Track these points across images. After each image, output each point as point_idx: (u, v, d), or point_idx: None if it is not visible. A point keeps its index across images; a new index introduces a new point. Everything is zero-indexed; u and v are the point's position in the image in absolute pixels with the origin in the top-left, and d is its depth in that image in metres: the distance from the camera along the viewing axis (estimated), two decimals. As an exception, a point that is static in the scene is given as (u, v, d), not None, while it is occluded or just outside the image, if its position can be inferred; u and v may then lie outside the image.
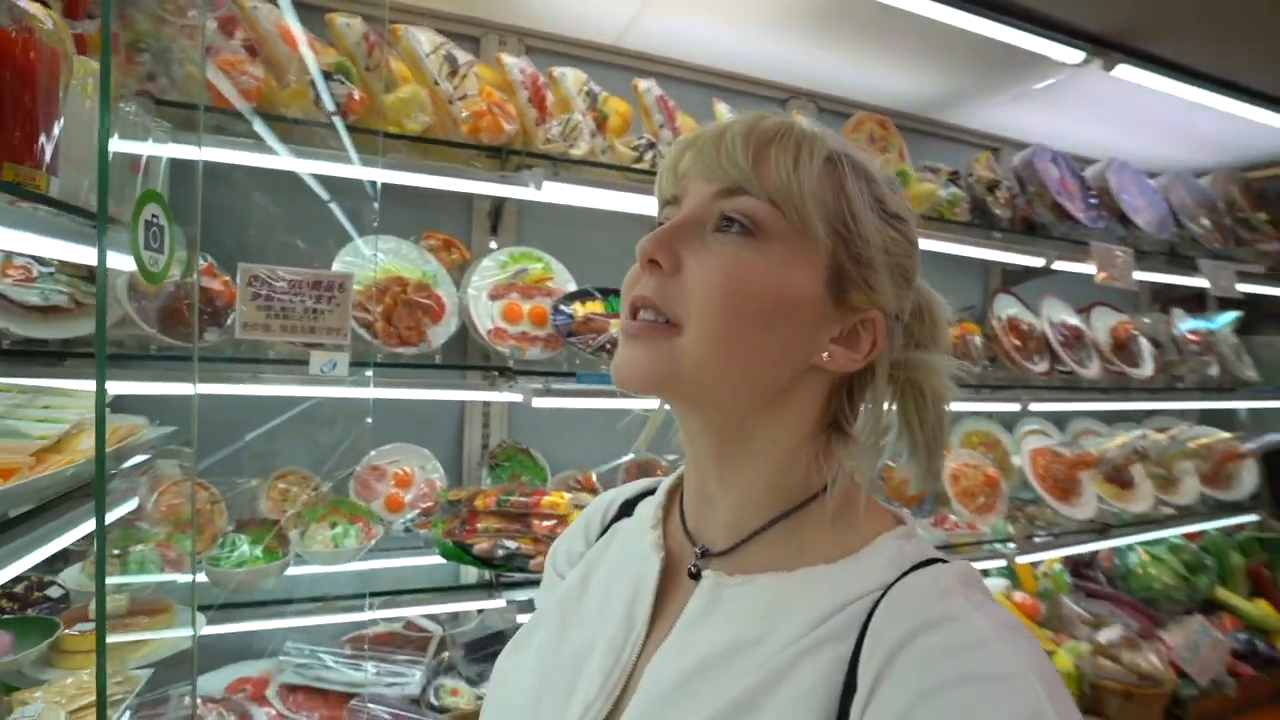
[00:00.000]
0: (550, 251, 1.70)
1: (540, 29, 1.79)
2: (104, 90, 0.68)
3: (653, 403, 0.62)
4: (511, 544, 1.46)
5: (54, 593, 1.10)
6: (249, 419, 1.47)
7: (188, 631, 1.11)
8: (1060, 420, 2.61)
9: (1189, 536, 2.54)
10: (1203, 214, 2.34)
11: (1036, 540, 2.11)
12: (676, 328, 0.49)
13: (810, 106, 2.16)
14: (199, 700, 1.41)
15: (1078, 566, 2.57)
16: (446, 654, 1.74)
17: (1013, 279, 2.43)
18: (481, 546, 1.44)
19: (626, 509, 0.69)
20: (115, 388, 1.21)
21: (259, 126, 1.12)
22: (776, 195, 0.49)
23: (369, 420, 1.22)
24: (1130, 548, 2.48)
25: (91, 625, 1.01)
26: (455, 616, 1.81)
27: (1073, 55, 1.69)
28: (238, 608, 1.28)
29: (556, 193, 1.37)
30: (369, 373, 1.25)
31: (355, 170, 1.18)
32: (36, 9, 0.73)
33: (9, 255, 1.19)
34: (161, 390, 1.16)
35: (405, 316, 1.37)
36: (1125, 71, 1.77)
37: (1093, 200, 2.12)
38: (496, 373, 1.50)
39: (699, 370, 0.49)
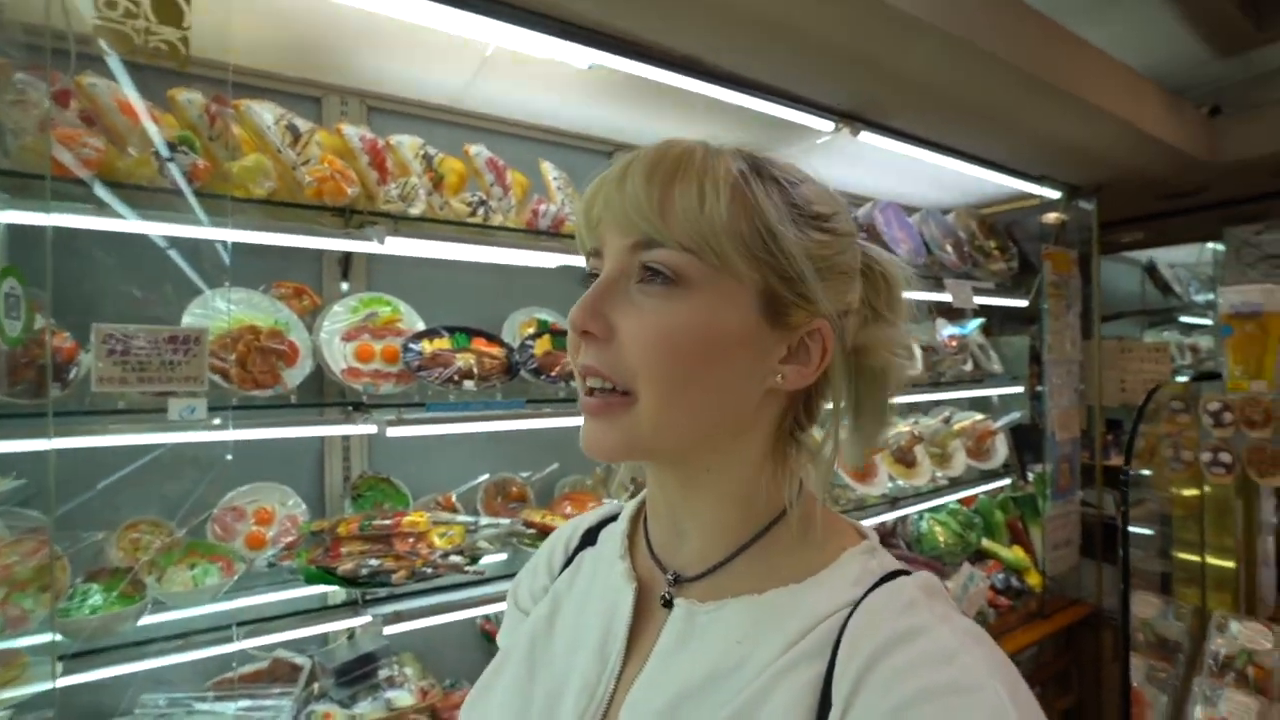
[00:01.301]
0: (400, 294, 1.86)
1: (380, 91, 1.97)
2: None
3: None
4: (375, 562, 1.59)
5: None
6: (93, 472, 1.49)
7: (46, 684, 1.14)
8: (863, 415, 3.12)
9: (964, 501, 3.14)
10: (948, 243, 2.96)
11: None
12: (630, 396, 0.49)
13: (634, 159, 2.50)
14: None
15: (884, 537, 3.08)
16: (317, 684, 1.81)
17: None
18: (345, 567, 1.56)
19: (589, 537, 0.67)
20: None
21: (104, 194, 1.21)
22: (689, 243, 0.48)
23: (229, 457, 1.32)
24: (920, 515, 3.01)
25: (-61, 679, 1.03)
26: (325, 644, 1.88)
27: (826, 125, 2.15)
28: (94, 654, 1.31)
29: (400, 246, 1.56)
30: (217, 420, 1.35)
31: (206, 231, 1.30)
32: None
33: None
34: (8, 448, 1.19)
35: (259, 362, 1.48)
36: (868, 138, 2.26)
37: (863, 235, 2.62)
38: (351, 408, 1.64)
39: (658, 432, 0.49)
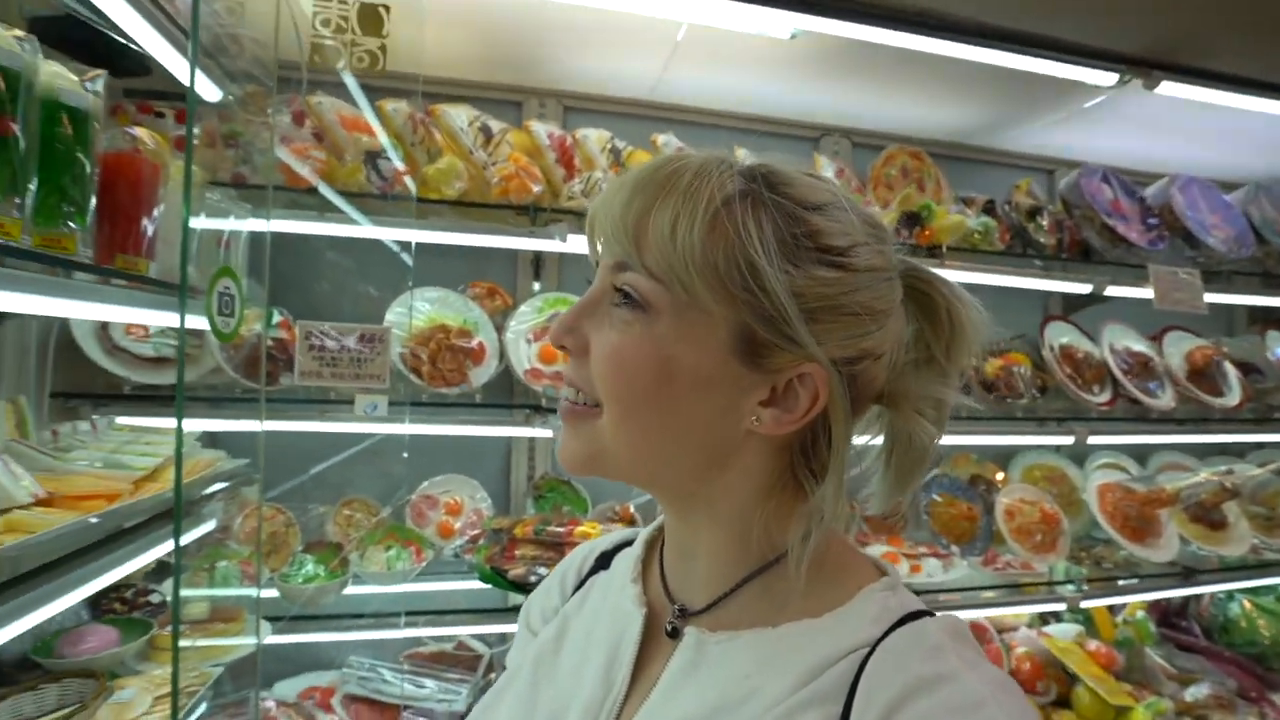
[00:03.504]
0: (585, 295, 1.82)
1: (575, 90, 1.96)
2: (186, 201, 0.85)
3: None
4: (544, 570, 1.56)
5: (155, 599, 1.30)
6: (321, 452, 1.67)
7: (254, 640, 1.27)
8: (1141, 454, 2.43)
9: (1303, 585, 2.28)
10: (1292, 228, 2.17)
11: (1103, 584, 1.97)
12: (597, 409, 0.49)
13: (844, 143, 2.20)
14: (274, 702, 1.60)
15: (1166, 615, 2.35)
16: (494, 675, 1.85)
17: (1075, 306, 2.32)
18: (516, 572, 1.55)
19: (603, 561, 0.66)
20: (205, 425, 1.42)
21: (336, 200, 1.32)
22: (658, 272, 0.46)
23: (405, 455, 1.36)
24: (1231, 596, 2.25)
25: (183, 627, 1.19)
26: (504, 638, 1.92)
27: (1106, 78, 1.66)
28: (303, 620, 1.44)
29: (582, 244, 1.50)
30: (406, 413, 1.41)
31: (391, 233, 1.36)
32: (142, 133, 0.93)
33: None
34: (244, 427, 1.36)
35: (449, 360, 1.53)
36: (1170, 89, 1.70)
37: (1152, 221, 2.02)
38: (530, 410, 1.62)
39: (617, 450, 0.49)
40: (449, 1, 1.42)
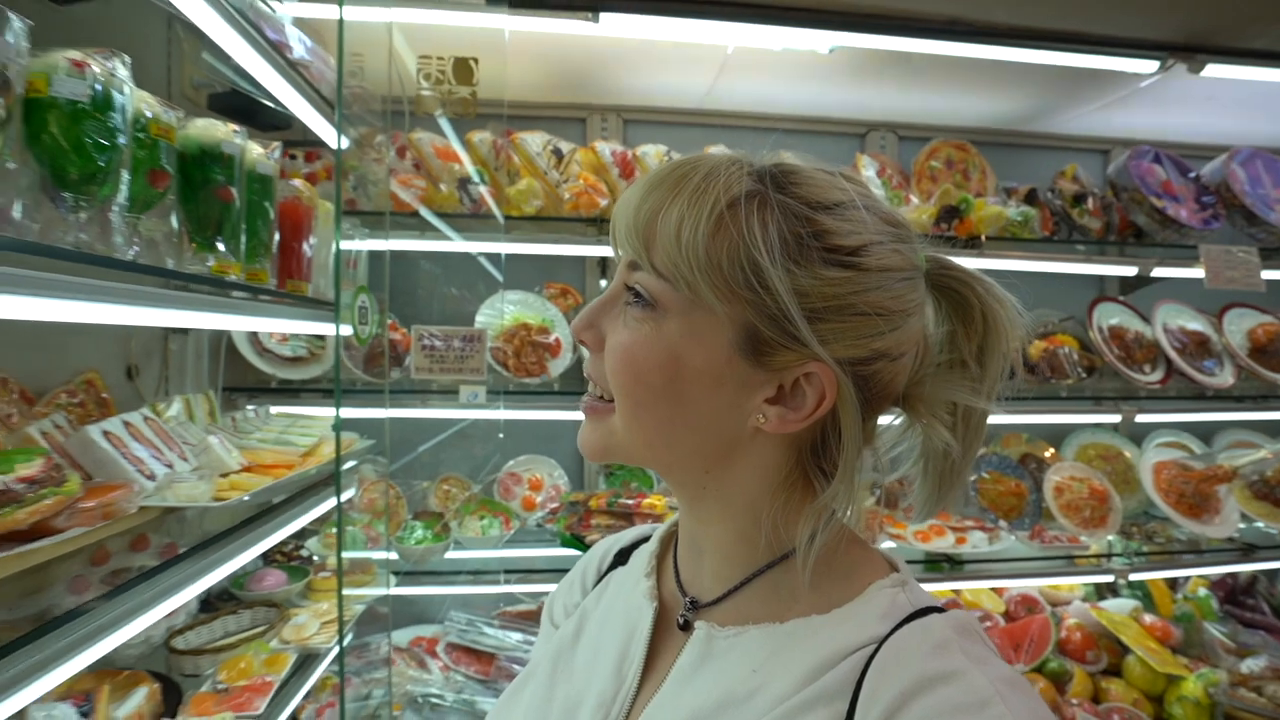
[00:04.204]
0: (646, 292, 2.02)
1: (634, 104, 2.14)
2: (336, 242, 1.10)
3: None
4: (616, 536, 1.78)
5: (305, 552, 1.60)
6: (422, 435, 1.95)
7: (384, 590, 1.55)
8: (1206, 433, 2.43)
9: (1383, 564, 2.23)
10: (1367, 200, 2.11)
11: (1158, 558, 2.02)
12: (610, 404, 0.51)
13: (890, 138, 2.29)
14: (391, 647, 1.89)
15: (1233, 593, 2.36)
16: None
17: (1131, 288, 2.34)
18: (593, 537, 1.77)
19: (622, 557, 0.67)
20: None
21: (436, 221, 1.57)
22: (664, 270, 0.47)
23: (501, 435, 1.60)
24: (1300, 573, 2.24)
25: (329, 574, 1.48)
26: (580, 599, 2.16)
27: (1145, 66, 1.70)
28: (417, 575, 1.72)
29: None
30: (500, 400, 1.65)
31: (481, 246, 1.59)
32: (300, 183, 1.19)
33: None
34: (364, 414, 1.63)
35: (530, 354, 1.76)
36: (1216, 70, 1.73)
37: (1207, 199, 2.02)
38: (600, 396, 1.84)
39: (628, 443, 0.51)
40: (526, 40, 1.63)
